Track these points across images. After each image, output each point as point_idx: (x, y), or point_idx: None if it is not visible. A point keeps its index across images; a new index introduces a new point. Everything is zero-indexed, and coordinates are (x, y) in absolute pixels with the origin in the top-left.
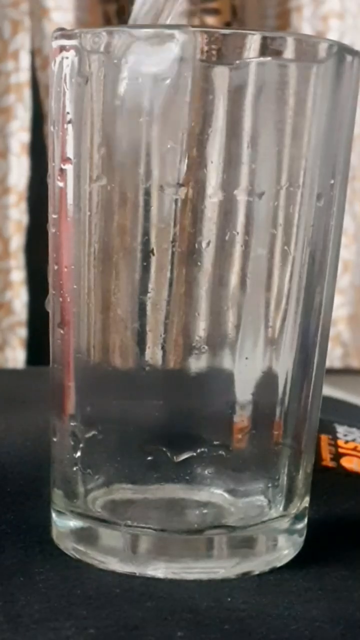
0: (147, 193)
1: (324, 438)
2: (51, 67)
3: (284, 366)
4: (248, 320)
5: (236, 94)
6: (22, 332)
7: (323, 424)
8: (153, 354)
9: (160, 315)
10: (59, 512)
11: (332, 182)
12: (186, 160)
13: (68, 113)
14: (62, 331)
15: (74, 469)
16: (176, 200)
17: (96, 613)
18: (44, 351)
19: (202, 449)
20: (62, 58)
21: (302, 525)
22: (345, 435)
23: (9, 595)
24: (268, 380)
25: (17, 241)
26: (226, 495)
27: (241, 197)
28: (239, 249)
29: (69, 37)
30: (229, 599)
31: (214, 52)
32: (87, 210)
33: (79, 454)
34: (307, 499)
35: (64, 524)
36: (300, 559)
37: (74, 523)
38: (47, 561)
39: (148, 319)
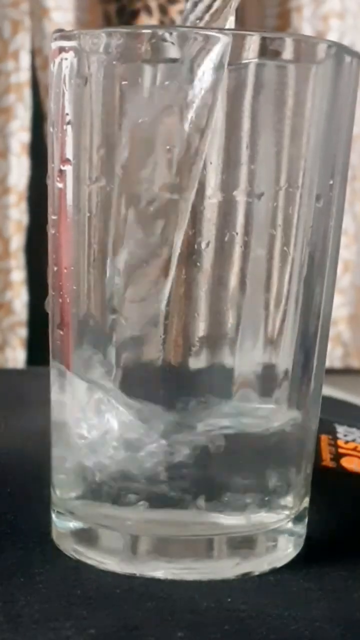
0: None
1: (324, 438)
2: (50, 68)
3: (284, 366)
4: (247, 320)
5: (235, 95)
6: (22, 332)
7: (323, 424)
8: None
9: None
10: (59, 513)
11: (331, 182)
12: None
13: (67, 114)
14: (61, 332)
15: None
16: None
17: (96, 613)
18: (44, 351)
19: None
20: (62, 59)
21: (302, 525)
22: (345, 436)
23: (9, 596)
24: (268, 379)
25: (17, 241)
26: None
27: (240, 198)
28: (238, 249)
29: (68, 38)
30: (229, 599)
31: None
32: (86, 212)
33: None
34: (307, 499)
35: (63, 524)
36: (300, 559)
37: (73, 524)
38: (47, 562)
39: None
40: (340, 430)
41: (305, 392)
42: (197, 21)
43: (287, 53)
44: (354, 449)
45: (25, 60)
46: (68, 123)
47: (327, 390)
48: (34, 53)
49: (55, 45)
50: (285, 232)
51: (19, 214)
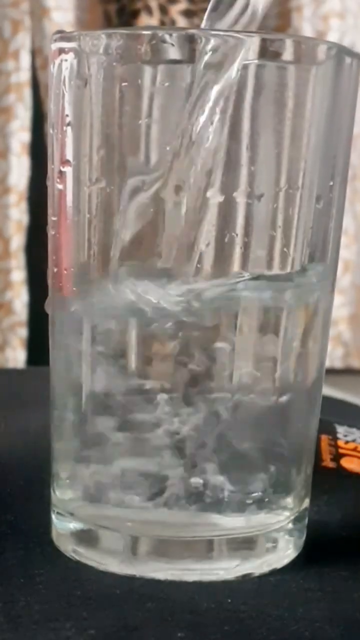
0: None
1: (324, 438)
2: (50, 69)
3: (285, 365)
4: (245, 320)
5: (235, 96)
6: (23, 332)
7: (323, 424)
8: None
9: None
10: (58, 514)
11: (331, 183)
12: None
13: (67, 115)
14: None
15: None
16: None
17: (96, 614)
18: (44, 351)
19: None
20: (62, 60)
21: (302, 526)
22: (345, 436)
23: (9, 596)
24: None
25: (17, 241)
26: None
27: (240, 199)
28: (238, 250)
29: (68, 39)
30: (229, 600)
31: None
32: (86, 213)
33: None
34: (307, 500)
35: (63, 525)
36: (300, 560)
37: (73, 525)
38: (47, 562)
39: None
40: (341, 430)
41: (305, 391)
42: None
43: (288, 54)
44: (354, 449)
45: (25, 60)
46: (68, 124)
47: (327, 390)
48: (34, 53)
49: (55, 46)
50: (285, 233)
51: (19, 213)
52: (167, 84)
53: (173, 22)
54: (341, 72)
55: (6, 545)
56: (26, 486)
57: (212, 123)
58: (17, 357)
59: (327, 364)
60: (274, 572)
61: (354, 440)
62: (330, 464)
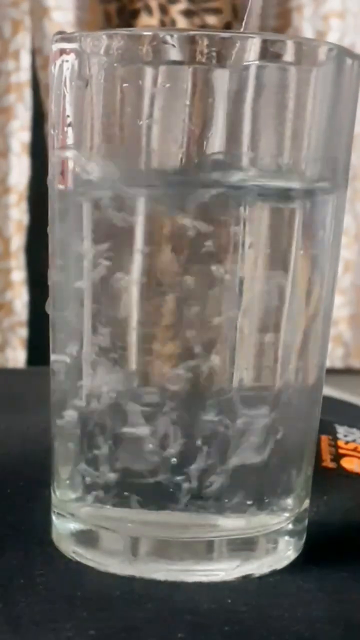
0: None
1: (324, 439)
2: (51, 70)
3: (284, 366)
4: (246, 322)
5: (236, 97)
6: (23, 332)
7: (323, 424)
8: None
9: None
10: (59, 515)
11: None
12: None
13: (68, 116)
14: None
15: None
16: None
17: (97, 615)
18: (45, 351)
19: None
20: (62, 61)
21: (302, 527)
22: (345, 436)
23: (10, 597)
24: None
25: (17, 241)
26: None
27: None
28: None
29: (69, 40)
30: (230, 601)
31: (213, 55)
32: None
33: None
34: (307, 500)
35: (64, 526)
36: (301, 560)
37: (74, 525)
38: (47, 563)
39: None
40: (341, 430)
41: (305, 391)
42: None
43: (288, 55)
44: (354, 450)
45: (25, 60)
46: (69, 125)
47: (328, 391)
48: (34, 53)
49: (56, 47)
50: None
51: (19, 213)
52: (168, 84)
53: (173, 22)
54: (342, 73)
55: (7, 546)
56: (26, 487)
57: None
58: (17, 357)
59: (328, 364)
60: (274, 573)
61: (354, 441)
62: (330, 464)
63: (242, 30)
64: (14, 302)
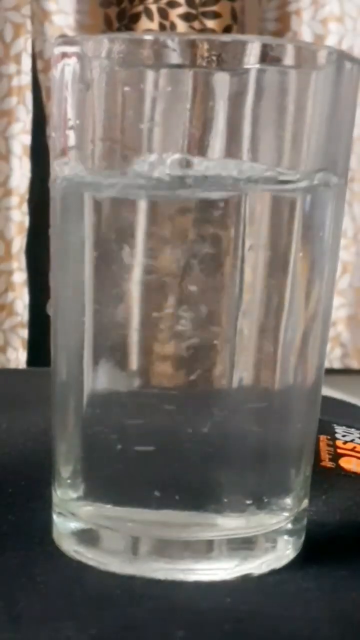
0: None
1: (323, 438)
2: (53, 73)
3: (283, 366)
4: (246, 323)
5: (236, 100)
6: (24, 333)
7: (322, 424)
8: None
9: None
10: (60, 514)
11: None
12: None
13: (69, 119)
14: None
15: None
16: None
17: (97, 613)
18: (46, 352)
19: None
20: (64, 64)
21: (301, 526)
22: (344, 436)
23: (11, 596)
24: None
25: (19, 243)
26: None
27: None
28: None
29: (70, 43)
30: (229, 600)
31: (214, 59)
32: None
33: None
34: (306, 500)
35: (65, 525)
36: (300, 560)
37: (74, 525)
38: (48, 562)
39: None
40: (339, 430)
41: (303, 392)
42: None
43: (288, 59)
44: (353, 449)
45: (26, 63)
46: (70, 128)
47: (326, 391)
48: (35, 56)
49: (57, 50)
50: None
51: (20, 215)
52: (169, 88)
53: (173, 26)
54: (341, 77)
55: (7, 545)
56: (27, 486)
57: None
58: (18, 357)
59: (326, 364)
60: (273, 572)
61: (352, 440)
62: (328, 464)
63: None
64: (15, 303)
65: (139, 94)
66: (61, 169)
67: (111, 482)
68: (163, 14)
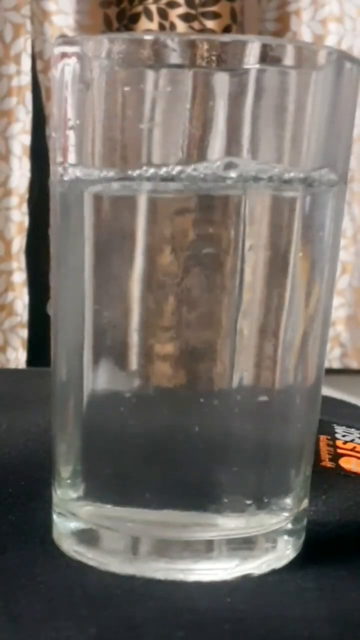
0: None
1: (323, 438)
2: (53, 73)
3: (283, 366)
4: (246, 323)
5: (236, 100)
6: (24, 333)
7: (322, 424)
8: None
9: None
10: (60, 514)
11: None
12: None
13: (69, 119)
14: None
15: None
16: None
17: (97, 613)
18: (46, 352)
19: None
20: (64, 64)
21: (301, 526)
22: (344, 436)
23: (11, 596)
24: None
25: (18, 243)
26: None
27: None
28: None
29: (70, 43)
30: (229, 600)
31: (214, 59)
32: None
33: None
34: (306, 500)
35: (65, 525)
36: (300, 559)
37: (74, 525)
38: (48, 562)
39: (147, 323)
40: (339, 430)
41: (303, 392)
42: None
43: (288, 59)
44: (353, 449)
45: (26, 63)
46: (70, 128)
47: (326, 391)
48: (35, 56)
49: (57, 50)
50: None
51: (20, 216)
52: (169, 88)
53: (173, 26)
54: (341, 77)
55: (8, 545)
56: (27, 486)
57: None
58: (18, 357)
59: (326, 364)
60: (273, 572)
61: (352, 440)
62: (328, 464)
63: None
64: (15, 303)
65: (139, 94)
66: (61, 169)
67: (111, 482)
68: (163, 14)
